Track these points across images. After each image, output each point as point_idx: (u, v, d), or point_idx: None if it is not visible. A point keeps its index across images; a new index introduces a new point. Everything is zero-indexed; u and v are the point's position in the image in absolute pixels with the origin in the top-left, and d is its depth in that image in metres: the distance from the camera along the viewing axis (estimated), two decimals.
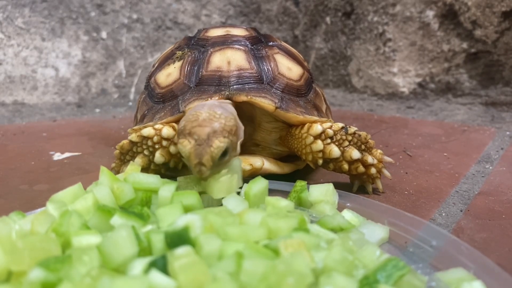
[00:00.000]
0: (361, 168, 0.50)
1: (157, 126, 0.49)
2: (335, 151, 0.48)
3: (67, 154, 0.74)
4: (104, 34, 1.26)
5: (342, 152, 0.49)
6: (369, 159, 0.50)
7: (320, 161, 0.50)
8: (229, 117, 0.44)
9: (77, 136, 0.87)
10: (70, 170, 0.66)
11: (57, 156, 0.73)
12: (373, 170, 0.51)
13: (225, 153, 0.42)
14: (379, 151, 0.53)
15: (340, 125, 0.50)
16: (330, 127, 0.49)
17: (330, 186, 0.44)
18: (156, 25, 1.35)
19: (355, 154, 0.49)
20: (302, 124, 0.51)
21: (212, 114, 0.43)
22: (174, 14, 1.37)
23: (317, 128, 0.49)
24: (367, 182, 0.53)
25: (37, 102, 1.18)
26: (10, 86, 1.14)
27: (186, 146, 0.40)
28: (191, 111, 0.46)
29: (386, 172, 0.53)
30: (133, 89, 1.34)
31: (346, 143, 0.50)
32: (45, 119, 1.04)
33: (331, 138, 0.49)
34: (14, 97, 1.15)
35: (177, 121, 0.50)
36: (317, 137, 0.49)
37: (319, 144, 0.49)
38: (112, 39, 1.27)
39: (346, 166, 0.50)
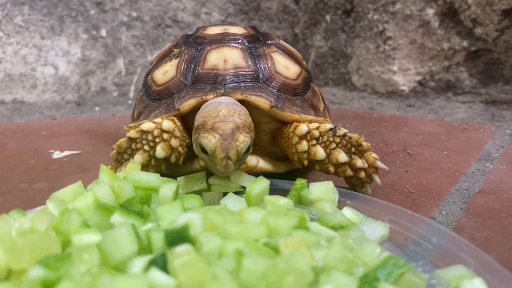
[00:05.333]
0: (349, 172, 0.48)
1: (157, 120, 0.48)
2: (320, 153, 0.47)
3: (66, 153, 0.74)
4: (103, 32, 1.25)
5: (328, 155, 0.47)
6: (358, 163, 0.48)
7: (306, 162, 0.49)
8: (247, 114, 0.45)
9: (76, 135, 0.87)
10: (69, 168, 0.66)
11: (57, 155, 0.72)
12: (362, 174, 0.49)
13: (248, 148, 0.42)
14: (373, 155, 0.49)
15: (328, 126, 0.48)
16: (317, 128, 0.48)
17: (330, 184, 0.44)
18: (155, 23, 1.34)
19: (341, 157, 0.47)
20: (291, 123, 0.50)
21: (232, 110, 0.44)
22: (173, 12, 1.37)
23: (303, 128, 0.48)
24: (357, 186, 0.51)
25: (37, 101, 1.18)
26: (10, 84, 1.13)
27: (211, 140, 0.40)
28: (207, 106, 0.46)
29: (377, 179, 0.50)
30: (132, 88, 1.34)
31: (333, 145, 0.48)
32: (45, 117, 1.04)
33: (317, 139, 0.48)
34: (14, 95, 1.14)
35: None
36: (303, 137, 0.48)
37: (303, 145, 0.48)
38: (111, 37, 1.27)
39: (332, 169, 0.48)
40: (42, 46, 1.17)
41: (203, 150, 0.41)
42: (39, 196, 0.54)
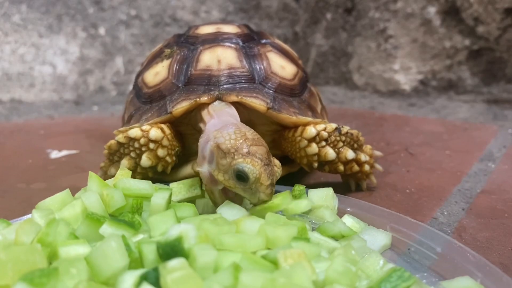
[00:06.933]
0: (356, 167, 0.50)
1: (144, 127, 0.46)
2: (330, 153, 0.47)
3: (64, 152, 0.73)
4: (102, 31, 1.25)
5: (337, 154, 0.48)
6: (362, 157, 0.50)
7: (315, 164, 0.49)
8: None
9: (74, 134, 0.86)
10: (67, 168, 0.65)
11: (55, 154, 0.72)
12: (366, 167, 0.51)
13: None
14: (368, 146, 0.52)
15: (334, 126, 0.49)
16: (324, 129, 0.48)
17: (330, 190, 0.43)
18: (154, 22, 1.33)
19: (350, 154, 0.48)
20: (296, 127, 0.50)
21: (254, 133, 0.41)
22: (173, 11, 1.36)
23: (311, 131, 0.47)
24: (361, 179, 0.52)
25: (35, 100, 1.17)
26: (7, 83, 1.13)
27: (255, 165, 0.37)
28: (225, 128, 0.41)
29: (378, 166, 0.54)
30: (131, 87, 1.33)
31: (340, 144, 0.49)
32: (43, 116, 1.04)
33: (326, 140, 0.48)
34: (11, 95, 1.14)
35: (164, 123, 0.48)
36: (312, 140, 0.48)
37: (313, 148, 0.47)
38: (110, 36, 1.26)
39: (341, 167, 0.49)
40: (40, 44, 1.16)
41: (241, 177, 0.37)
42: (37, 196, 0.53)
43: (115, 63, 1.29)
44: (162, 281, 0.25)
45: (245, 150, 0.38)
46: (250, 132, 0.41)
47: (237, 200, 0.40)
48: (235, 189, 0.39)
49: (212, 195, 0.41)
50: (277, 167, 0.40)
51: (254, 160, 0.37)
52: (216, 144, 0.40)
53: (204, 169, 0.41)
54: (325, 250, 0.31)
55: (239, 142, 0.39)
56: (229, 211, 0.37)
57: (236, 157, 0.38)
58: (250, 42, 0.57)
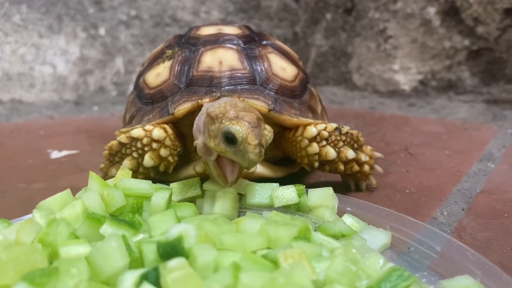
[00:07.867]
0: (356, 167, 0.50)
1: (147, 127, 0.47)
2: (331, 153, 0.48)
3: (65, 152, 0.73)
4: (102, 31, 1.25)
5: (338, 153, 0.49)
6: (362, 157, 0.50)
7: (316, 164, 0.49)
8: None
9: (75, 134, 0.86)
10: (67, 168, 0.65)
11: (55, 154, 0.72)
12: (366, 168, 0.51)
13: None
14: (369, 147, 0.53)
15: (334, 125, 0.49)
16: (325, 129, 0.48)
17: (330, 190, 0.43)
18: (155, 22, 1.34)
19: (350, 154, 0.49)
20: (296, 127, 0.50)
21: (246, 104, 0.42)
22: (173, 11, 1.36)
23: (312, 130, 0.48)
24: (361, 180, 0.53)
25: (35, 100, 1.17)
26: (8, 83, 1.13)
27: (242, 126, 0.38)
28: (216, 101, 0.43)
29: (378, 167, 0.54)
30: (131, 87, 1.33)
31: (341, 143, 0.49)
32: (43, 117, 1.04)
33: (326, 140, 0.48)
34: (12, 95, 1.14)
35: (166, 123, 0.48)
36: (312, 139, 0.48)
37: (314, 147, 0.48)
38: (110, 36, 1.26)
39: (342, 167, 0.49)
40: (41, 45, 1.16)
41: (230, 139, 0.38)
42: (37, 196, 0.53)
43: (115, 63, 1.29)
44: (162, 281, 0.25)
45: (232, 115, 0.39)
46: (241, 104, 0.42)
47: (231, 173, 0.41)
48: (226, 154, 0.39)
49: (208, 168, 0.42)
50: (268, 131, 0.40)
51: (241, 122, 0.38)
52: (206, 113, 0.41)
53: (199, 141, 0.42)
54: (326, 250, 0.31)
55: (228, 108, 0.40)
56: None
57: (223, 120, 0.39)
58: (251, 43, 0.57)
